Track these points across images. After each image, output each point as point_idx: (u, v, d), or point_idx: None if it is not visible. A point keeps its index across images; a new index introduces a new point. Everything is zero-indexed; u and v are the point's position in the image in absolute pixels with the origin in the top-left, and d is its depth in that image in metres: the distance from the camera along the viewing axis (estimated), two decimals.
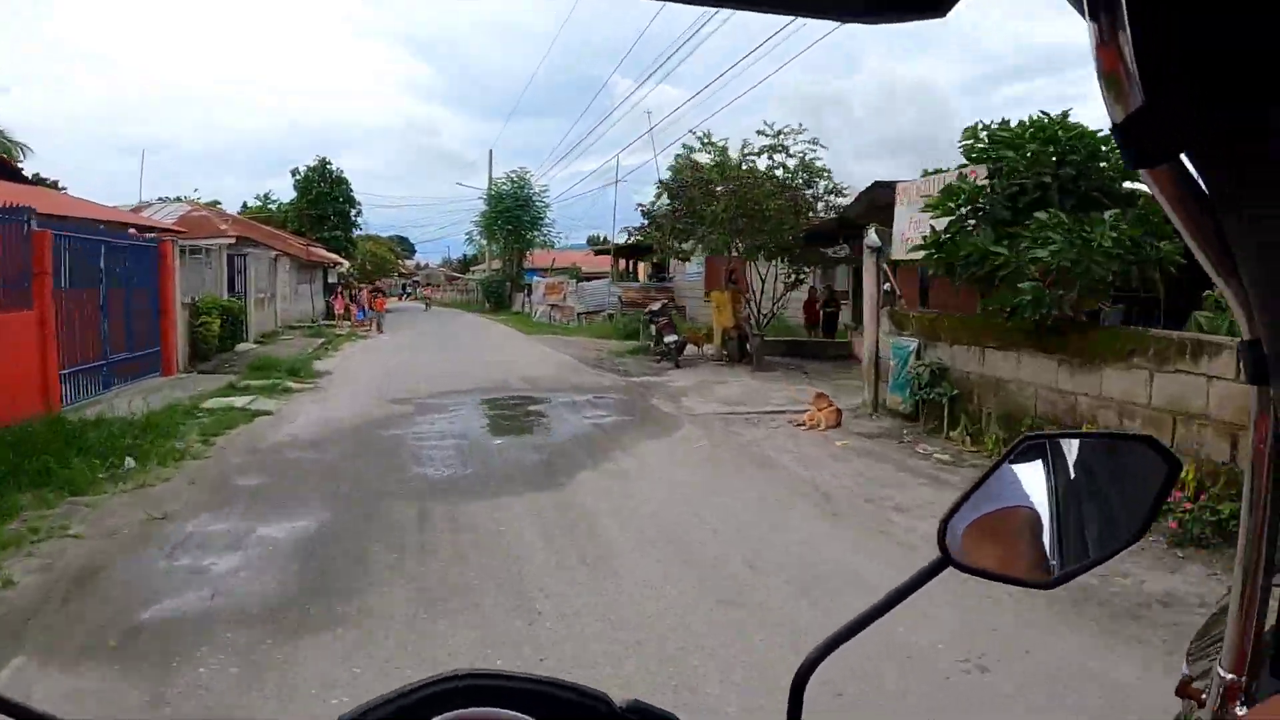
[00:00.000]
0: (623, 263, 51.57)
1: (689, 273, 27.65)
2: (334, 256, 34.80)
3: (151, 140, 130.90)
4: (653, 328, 17.23)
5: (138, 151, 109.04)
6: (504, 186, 42.05)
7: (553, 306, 30.82)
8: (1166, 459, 0.77)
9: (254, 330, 19.81)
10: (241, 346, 17.67)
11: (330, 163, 38.23)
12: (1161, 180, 0.53)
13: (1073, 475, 0.80)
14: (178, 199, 30.67)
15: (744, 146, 15.65)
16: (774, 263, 15.76)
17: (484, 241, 46.49)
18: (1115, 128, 0.48)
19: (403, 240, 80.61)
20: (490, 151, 47.02)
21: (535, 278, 39.06)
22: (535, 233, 42.53)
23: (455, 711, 0.68)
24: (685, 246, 17.44)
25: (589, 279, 33.32)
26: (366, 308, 26.78)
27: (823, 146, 15.58)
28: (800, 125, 15.37)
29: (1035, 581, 0.81)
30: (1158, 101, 0.45)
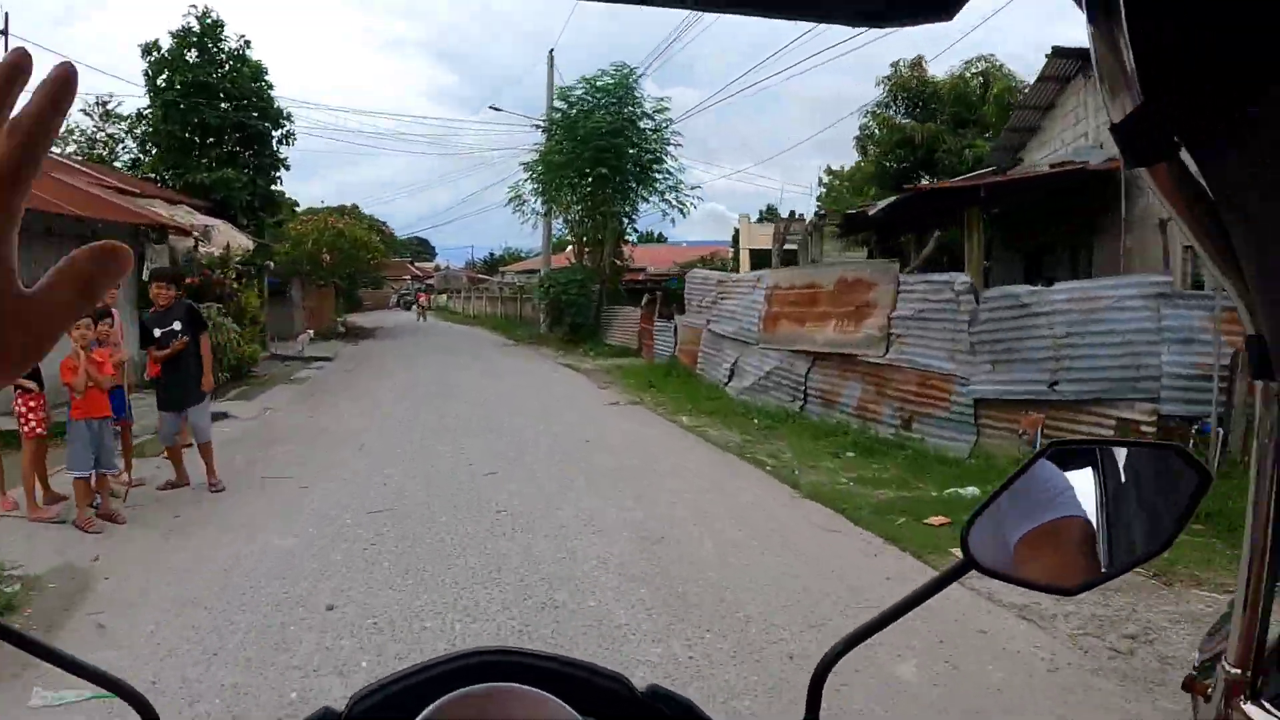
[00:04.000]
0: (745, 255, 28.94)
1: None
2: (183, 218, 13.55)
3: None
4: None
5: None
6: (584, 97, 20.70)
7: (849, 364, 9.89)
8: (1197, 470, 0.72)
9: None
10: None
11: (222, 24, 17.62)
12: (1161, 178, 0.50)
13: (1103, 483, 0.76)
14: None
15: None
16: None
17: (539, 208, 23.17)
18: (1114, 127, 0.47)
19: (422, 242, 73.41)
20: (551, 52, 25.85)
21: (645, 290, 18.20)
22: (650, 190, 20.97)
23: (478, 685, 0.66)
24: None
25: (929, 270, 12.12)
26: (99, 376, 5.43)
27: None
28: None
29: (1059, 587, 0.78)
30: (1156, 100, 0.44)
